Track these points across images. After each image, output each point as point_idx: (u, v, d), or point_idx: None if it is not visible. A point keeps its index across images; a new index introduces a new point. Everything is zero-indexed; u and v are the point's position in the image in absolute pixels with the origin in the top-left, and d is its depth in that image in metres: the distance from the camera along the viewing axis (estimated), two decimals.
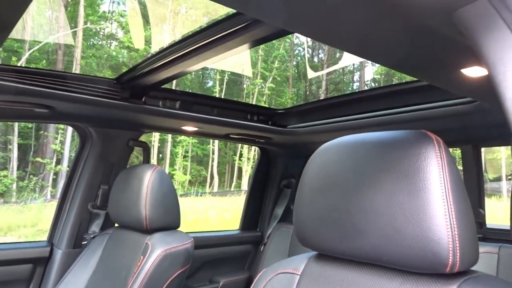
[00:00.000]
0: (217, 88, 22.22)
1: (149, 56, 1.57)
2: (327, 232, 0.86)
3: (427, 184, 0.71)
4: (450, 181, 0.71)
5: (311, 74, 24.86)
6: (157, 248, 1.53)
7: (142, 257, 1.54)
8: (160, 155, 21.41)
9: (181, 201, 1.83)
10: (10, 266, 1.85)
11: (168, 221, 1.68)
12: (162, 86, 1.84)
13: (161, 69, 1.52)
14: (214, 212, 13.07)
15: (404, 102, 1.75)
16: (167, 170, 20.42)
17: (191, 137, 20.22)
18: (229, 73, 22.02)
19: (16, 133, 15.79)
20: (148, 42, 16.96)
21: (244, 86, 23.76)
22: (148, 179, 1.65)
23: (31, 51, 14.51)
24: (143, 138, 2.23)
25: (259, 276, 1.05)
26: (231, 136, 2.34)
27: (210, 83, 25.17)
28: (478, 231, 2.10)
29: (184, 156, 21.68)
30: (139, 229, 1.67)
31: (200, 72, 24.74)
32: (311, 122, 2.21)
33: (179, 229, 1.75)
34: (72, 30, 16.80)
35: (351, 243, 0.81)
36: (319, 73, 24.92)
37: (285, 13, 0.76)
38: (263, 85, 22.75)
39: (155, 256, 1.51)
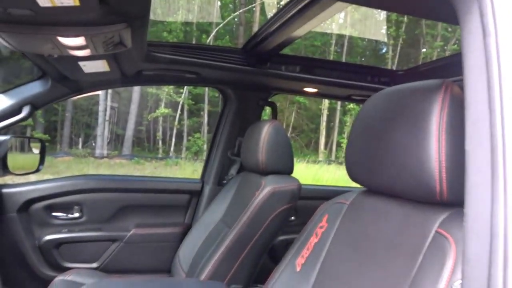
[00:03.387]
0: (390, 54, 21.10)
1: (264, 23, 1.83)
2: (365, 168, 1.04)
3: (426, 123, 0.83)
4: (446, 122, 0.81)
5: None
6: (268, 186, 1.85)
7: (256, 192, 1.90)
8: (331, 124, 21.82)
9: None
10: (174, 194, 2.49)
11: (280, 167, 1.98)
12: (283, 52, 2.11)
13: (276, 33, 1.77)
14: None
15: None
16: (335, 138, 20.79)
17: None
18: (404, 36, 20.56)
19: (206, 101, 18.49)
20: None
21: (423, 50, 21.86)
22: (265, 131, 1.98)
23: (217, 28, 16.54)
24: (275, 98, 2.57)
25: (321, 206, 1.28)
26: (352, 97, 2.47)
27: (384, 49, 23.98)
28: None
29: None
30: (258, 172, 2.03)
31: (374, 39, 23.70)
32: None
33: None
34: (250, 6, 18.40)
35: (379, 178, 0.98)
36: None
37: None
38: (445, 47, 20.53)
39: (265, 192, 1.83)
